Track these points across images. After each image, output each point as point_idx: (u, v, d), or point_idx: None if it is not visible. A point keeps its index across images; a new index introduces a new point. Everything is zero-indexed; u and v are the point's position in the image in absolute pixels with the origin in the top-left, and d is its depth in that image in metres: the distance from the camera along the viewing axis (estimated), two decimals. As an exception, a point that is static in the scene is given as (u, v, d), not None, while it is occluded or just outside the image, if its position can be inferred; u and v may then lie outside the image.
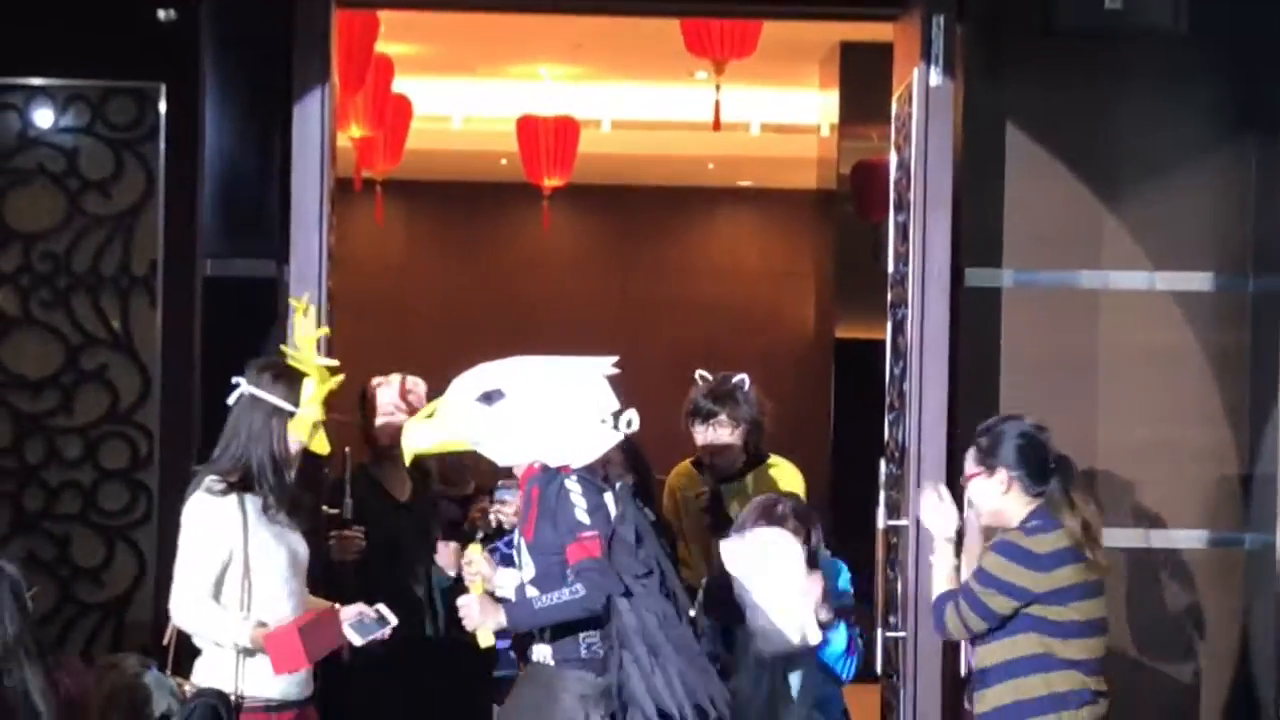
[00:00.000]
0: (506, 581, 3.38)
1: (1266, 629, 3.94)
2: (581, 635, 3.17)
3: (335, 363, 3.42)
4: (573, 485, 3.13)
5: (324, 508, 3.79)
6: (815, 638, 3.10)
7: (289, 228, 4.13)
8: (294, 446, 3.29)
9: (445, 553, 3.88)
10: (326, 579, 3.61)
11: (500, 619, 3.14)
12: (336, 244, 4.18)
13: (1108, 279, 4.34)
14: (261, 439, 3.21)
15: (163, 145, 4.17)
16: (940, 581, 3.37)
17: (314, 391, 3.25)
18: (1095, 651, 3.16)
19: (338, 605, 3.34)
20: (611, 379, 3.15)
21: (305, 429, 3.19)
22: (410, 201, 9.07)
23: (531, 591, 3.15)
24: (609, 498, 3.15)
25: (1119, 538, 3.94)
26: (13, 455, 4.19)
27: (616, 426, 3.14)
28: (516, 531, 3.31)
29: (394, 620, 3.36)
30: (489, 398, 3.22)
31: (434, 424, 3.28)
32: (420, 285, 8.50)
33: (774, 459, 4.18)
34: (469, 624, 3.21)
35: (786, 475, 4.14)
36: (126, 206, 4.12)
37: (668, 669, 3.01)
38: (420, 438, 3.33)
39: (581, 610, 3.09)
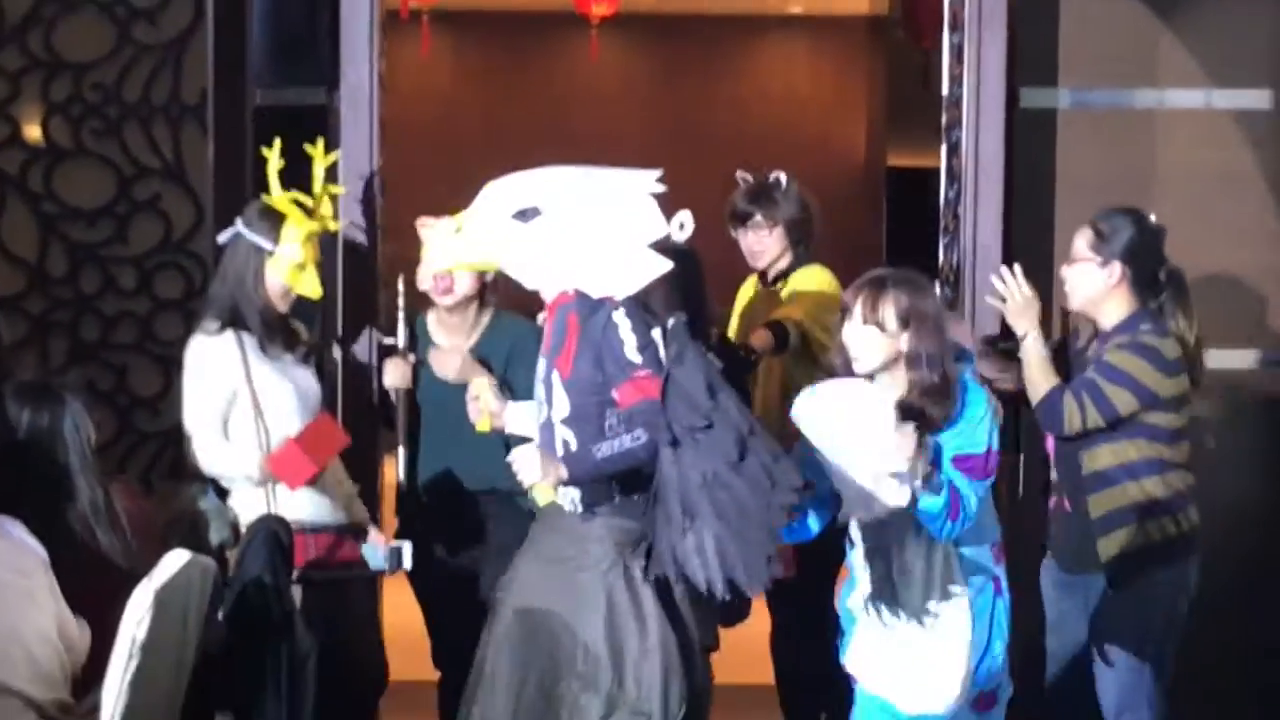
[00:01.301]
0: (516, 418, 3.12)
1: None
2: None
3: (309, 201, 3.37)
4: (621, 319, 2.79)
5: (381, 338, 3.78)
6: (897, 499, 2.60)
7: (339, 56, 4.01)
8: (274, 286, 3.29)
9: (394, 369, 3.55)
10: (383, 405, 3.63)
11: (561, 472, 2.79)
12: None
13: (1164, 97, 4.21)
14: (243, 278, 3.25)
15: None
16: (1041, 377, 3.22)
17: (295, 232, 3.22)
18: (1189, 457, 3.24)
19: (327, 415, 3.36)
20: (659, 199, 2.80)
21: (284, 269, 3.19)
22: (457, 32, 8.90)
23: (564, 432, 2.83)
24: (656, 334, 2.80)
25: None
26: (69, 285, 4.20)
27: (667, 237, 2.82)
28: (544, 363, 2.91)
29: (408, 564, 3.34)
30: (524, 215, 2.86)
31: (461, 241, 2.95)
32: (467, 116, 8.27)
33: (809, 267, 3.83)
34: (527, 478, 2.85)
35: (816, 278, 3.79)
36: (175, 34, 4.04)
37: (702, 534, 2.67)
38: (444, 255, 3.07)
39: (647, 458, 2.76)
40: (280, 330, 3.30)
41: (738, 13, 9.70)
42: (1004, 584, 2.93)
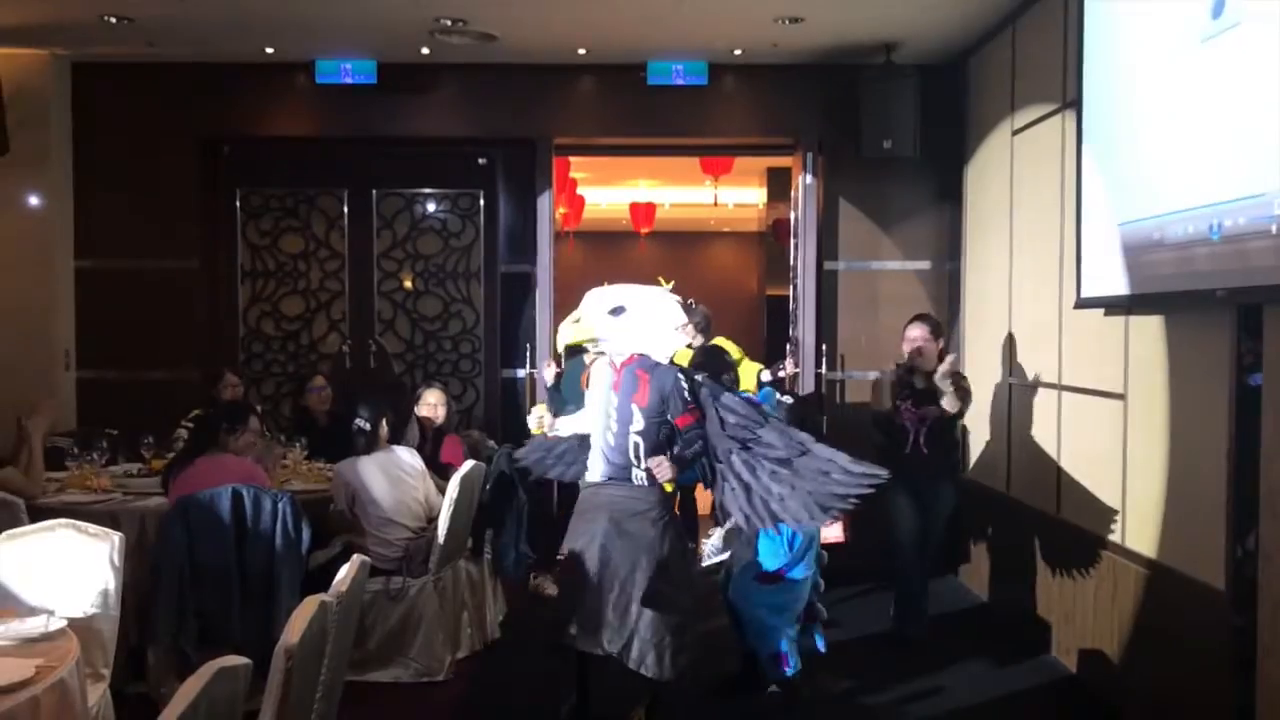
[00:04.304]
0: (564, 425, 4.69)
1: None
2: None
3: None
4: (681, 376, 4.11)
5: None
6: None
7: (537, 251, 8.02)
8: None
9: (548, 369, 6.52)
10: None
11: (672, 471, 4.08)
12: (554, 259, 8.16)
13: (883, 264, 7.83)
14: None
15: (482, 217, 8.18)
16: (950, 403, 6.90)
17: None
18: None
19: None
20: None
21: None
22: (582, 241, 14.77)
23: (635, 439, 4.11)
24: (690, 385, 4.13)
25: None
26: (423, 349, 8.40)
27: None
28: (615, 398, 4.16)
29: None
30: (615, 311, 4.12)
31: (578, 327, 4.19)
32: (586, 279, 11.25)
33: (716, 339, 6.32)
34: (663, 476, 4.08)
35: (724, 343, 6.15)
36: (468, 243, 8.26)
37: (754, 492, 4.02)
38: (567, 334, 4.25)
39: (703, 452, 4.10)
40: None
41: (703, 230, 15.59)
42: None
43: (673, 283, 4.45)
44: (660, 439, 4.17)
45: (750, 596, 4.78)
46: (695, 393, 4.17)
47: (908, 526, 5.85)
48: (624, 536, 4.10)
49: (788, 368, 6.88)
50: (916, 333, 6.00)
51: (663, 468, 4.04)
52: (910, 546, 5.85)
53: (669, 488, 4.07)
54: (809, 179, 8.06)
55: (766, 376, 6.18)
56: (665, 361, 4.20)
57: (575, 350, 5.42)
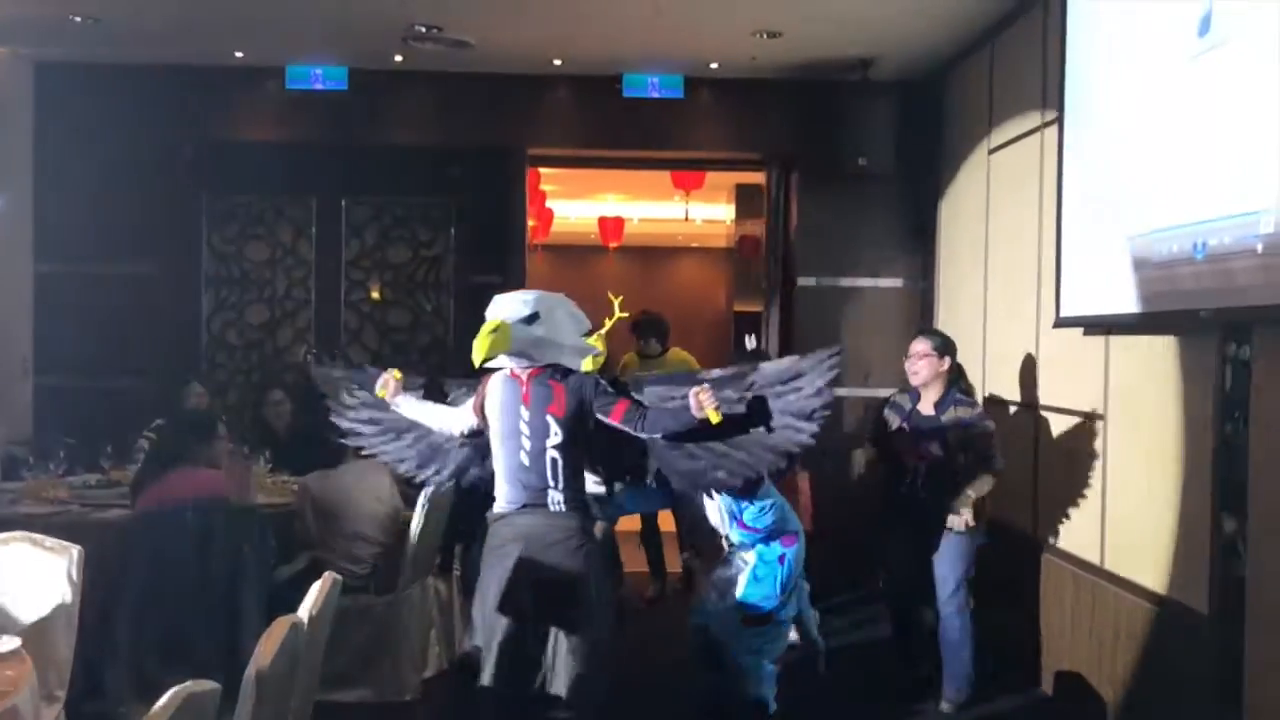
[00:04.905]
0: (405, 404, 4.27)
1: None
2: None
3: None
4: (595, 380, 3.88)
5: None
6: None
7: (508, 264, 7.89)
8: None
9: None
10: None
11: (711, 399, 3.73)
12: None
13: (856, 280, 7.79)
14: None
15: (453, 228, 8.10)
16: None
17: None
18: None
19: None
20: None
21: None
22: (550, 254, 14.60)
23: (553, 454, 3.79)
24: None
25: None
26: (395, 358, 8.03)
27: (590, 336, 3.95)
28: (525, 410, 3.82)
29: None
30: (530, 320, 3.79)
31: (495, 337, 3.71)
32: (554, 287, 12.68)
33: (674, 349, 7.10)
34: (708, 402, 3.70)
35: (680, 355, 7.05)
36: (438, 253, 8.16)
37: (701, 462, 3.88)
38: (483, 346, 3.70)
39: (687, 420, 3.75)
40: None
41: (673, 245, 15.58)
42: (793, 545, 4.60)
43: (620, 298, 4.26)
44: (580, 452, 3.88)
45: (739, 641, 4.49)
46: (615, 385, 3.97)
47: (903, 574, 5.28)
48: (541, 571, 3.78)
49: (749, 342, 7.06)
50: (919, 347, 5.29)
51: (704, 393, 3.69)
52: (906, 594, 5.31)
53: (715, 417, 3.64)
54: (781, 196, 8.03)
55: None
56: (578, 369, 3.90)
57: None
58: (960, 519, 5.02)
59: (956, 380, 5.27)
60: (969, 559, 5.15)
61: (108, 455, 5.98)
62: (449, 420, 4.21)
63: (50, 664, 3.39)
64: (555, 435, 3.79)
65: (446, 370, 7.53)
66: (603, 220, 13.73)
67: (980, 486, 5.08)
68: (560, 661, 3.77)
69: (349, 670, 5.16)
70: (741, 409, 3.80)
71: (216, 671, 4.12)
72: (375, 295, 8.26)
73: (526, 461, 3.81)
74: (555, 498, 3.81)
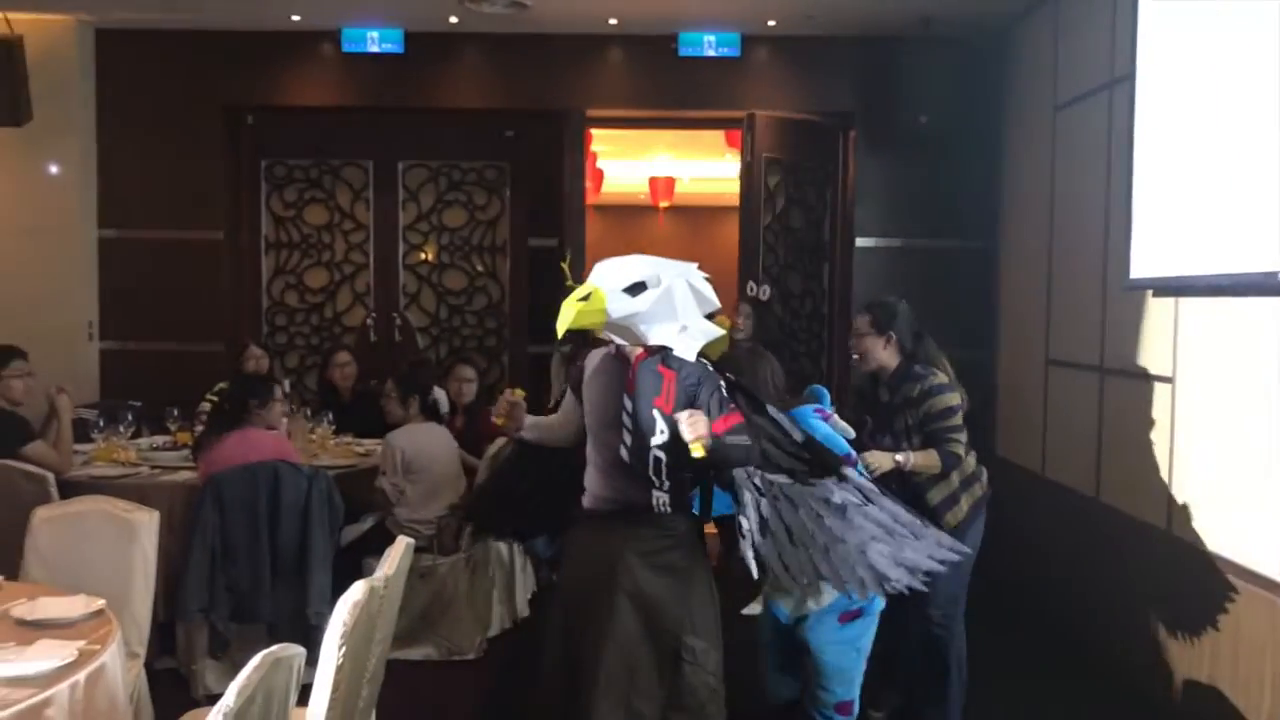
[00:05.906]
0: (531, 425, 3.52)
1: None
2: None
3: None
4: (712, 375, 3.21)
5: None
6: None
7: (566, 226, 7.83)
8: None
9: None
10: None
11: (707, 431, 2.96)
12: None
13: (916, 241, 8.08)
14: None
15: (509, 190, 8.08)
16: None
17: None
18: None
19: None
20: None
21: None
22: (600, 214, 13.92)
23: (658, 455, 3.15)
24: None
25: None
26: (448, 324, 8.28)
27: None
28: (628, 400, 3.21)
29: None
30: (634, 289, 3.15)
31: (584, 306, 3.13)
32: (606, 249, 12.07)
33: None
34: (697, 430, 2.95)
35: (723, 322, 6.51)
36: (494, 216, 8.16)
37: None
38: (568, 315, 3.13)
39: (747, 454, 3.07)
40: None
41: (724, 205, 14.52)
42: None
43: (567, 261, 3.85)
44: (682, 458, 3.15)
45: (834, 639, 3.91)
46: (737, 389, 3.28)
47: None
48: (642, 596, 3.20)
49: (762, 293, 6.85)
50: (855, 324, 4.43)
51: (697, 421, 2.97)
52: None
53: (700, 451, 2.94)
54: (841, 153, 7.95)
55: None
56: (693, 358, 3.24)
57: (575, 336, 4.32)
58: (874, 461, 4.07)
59: (913, 353, 4.32)
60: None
61: (173, 417, 6.06)
62: (571, 430, 3.57)
63: (130, 623, 3.48)
64: (662, 434, 3.18)
65: (504, 336, 7.61)
66: (653, 180, 13.56)
67: (917, 457, 4.16)
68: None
69: (413, 628, 5.22)
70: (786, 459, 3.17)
71: (284, 630, 4.47)
72: (425, 255, 8.28)
73: (627, 457, 3.23)
74: (661, 499, 3.24)
